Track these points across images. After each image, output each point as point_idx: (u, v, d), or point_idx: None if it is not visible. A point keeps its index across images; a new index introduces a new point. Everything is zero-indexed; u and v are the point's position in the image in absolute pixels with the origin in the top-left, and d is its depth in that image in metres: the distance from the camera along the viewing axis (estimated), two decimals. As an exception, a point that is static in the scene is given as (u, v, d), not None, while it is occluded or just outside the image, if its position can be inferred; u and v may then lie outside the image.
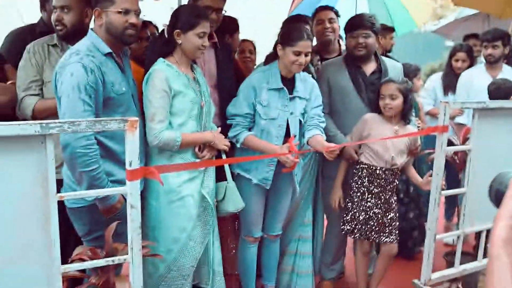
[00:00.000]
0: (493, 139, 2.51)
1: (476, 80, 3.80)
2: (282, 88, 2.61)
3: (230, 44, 3.22)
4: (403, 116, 2.79)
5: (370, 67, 2.94)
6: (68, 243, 2.16)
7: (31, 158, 1.44)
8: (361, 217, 2.81)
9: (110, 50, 2.13)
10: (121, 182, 2.04)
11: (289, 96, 2.62)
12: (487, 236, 2.48)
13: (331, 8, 3.25)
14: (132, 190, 1.61)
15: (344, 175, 2.92)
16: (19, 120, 2.43)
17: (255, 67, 3.13)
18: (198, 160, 2.41)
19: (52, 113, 2.28)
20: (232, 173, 2.71)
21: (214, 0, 2.67)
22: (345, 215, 2.88)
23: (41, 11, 2.80)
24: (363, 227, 2.81)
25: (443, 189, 2.46)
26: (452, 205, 4.17)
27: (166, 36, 2.37)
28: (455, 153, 3.20)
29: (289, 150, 2.48)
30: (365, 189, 2.81)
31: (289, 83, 2.65)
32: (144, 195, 2.37)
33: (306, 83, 2.73)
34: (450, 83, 4.13)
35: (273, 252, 2.94)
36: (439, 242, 3.80)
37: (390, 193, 2.83)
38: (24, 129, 1.39)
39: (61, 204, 2.10)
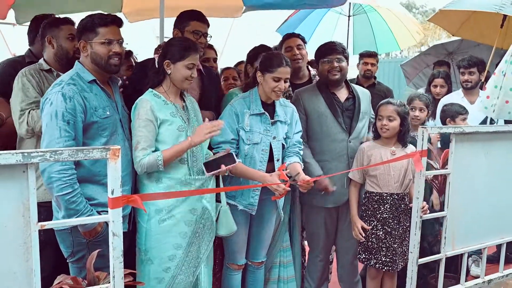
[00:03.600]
0: (471, 163, 2.58)
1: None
2: (264, 113, 2.66)
3: (216, 72, 3.26)
4: (400, 138, 2.83)
5: (343, 93, 3.01)
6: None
7: (12, 187, 1.44)
8: (374, 245, 2.80)
9: (93, 78, 2.23)
10: (104, 205, 2.06)
11: (271, 121, 2.67)
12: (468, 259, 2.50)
13: (298, 35, 3.34)
14: (114, 218, 1.61)
15: (357, 205, 2.90)
16: (16, 136, 2.50)
17: (230, 90, 3.16)
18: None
19: None
20: (219, 201, 2.71)
21: (202, 25, 2.80)
22: (359, 245, 2.88)
23: (31, 45, 2.91)
24: (377, 255, 2.80)
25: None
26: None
27: (157, 65, 2.43)
28: (436, 177, 3.26)
29: (279, 178, 2.49)
30: (374, 217, 2.81)
31: (269, 108, 2.70)
32: (136, 219, 2.39)
33: (286, 108, 2.79)
34: (430, 109, 4.22)
35: (258, 279, 2.92)
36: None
37: (399, 219, 2.80)
38: (5, 159, 1.40)
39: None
